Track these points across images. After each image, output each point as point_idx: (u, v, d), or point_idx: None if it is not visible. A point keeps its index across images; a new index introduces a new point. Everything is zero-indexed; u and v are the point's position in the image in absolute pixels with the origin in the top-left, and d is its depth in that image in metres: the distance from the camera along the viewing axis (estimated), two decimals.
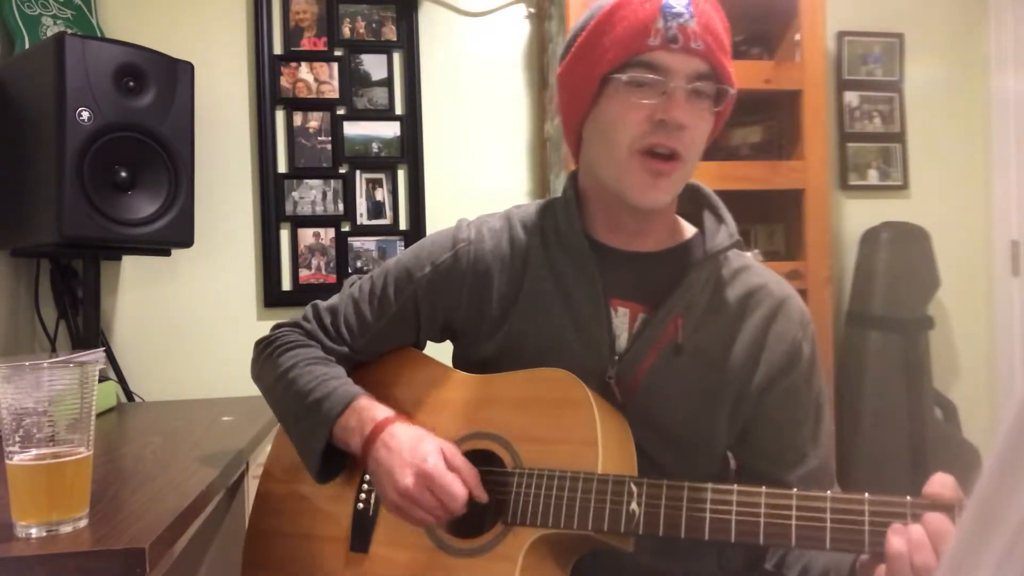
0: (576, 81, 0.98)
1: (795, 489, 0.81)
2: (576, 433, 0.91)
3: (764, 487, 0.82)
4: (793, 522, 0.79)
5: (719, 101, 0.96)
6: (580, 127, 1.01)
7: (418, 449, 0.93)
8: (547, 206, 1.08)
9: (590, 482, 0.88)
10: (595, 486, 0.88)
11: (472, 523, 0.96)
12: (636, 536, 0.88)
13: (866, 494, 0.76)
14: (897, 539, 0.73)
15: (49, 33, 1.99)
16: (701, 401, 0.98)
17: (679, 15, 0.90)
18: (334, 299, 1.13)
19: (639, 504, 0.85)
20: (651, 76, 0.92)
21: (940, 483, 0.76)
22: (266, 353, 1.11)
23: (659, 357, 0.97)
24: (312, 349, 1.09)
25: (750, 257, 1.07)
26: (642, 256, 1.03)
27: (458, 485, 0.90)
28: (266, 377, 1.10)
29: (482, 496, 0.93)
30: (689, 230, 1.07)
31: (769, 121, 2.27)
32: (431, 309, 1.07)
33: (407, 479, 0.91)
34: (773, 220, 2.30)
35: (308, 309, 1.14)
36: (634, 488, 0.86)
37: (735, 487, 0.83)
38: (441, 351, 1.12)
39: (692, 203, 1.07)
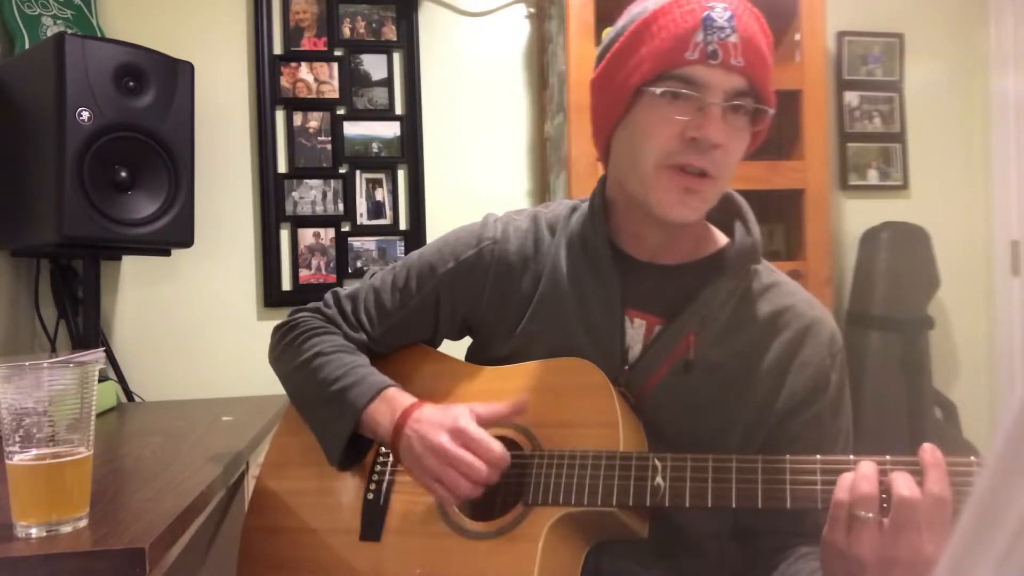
0: (609, 88, 0.95)
1: (818, 455, 0.82)
2: (596, 416, 0.92)
3: (788, 455, 0.83)
4: (818, 487, 0.80)
5: (756, 120, 0.93)
6: (610, 135, 0.98)
7: (448, 412, 0.93)
8: (575, 209, 1.06)
9: (613, 459, 0.89)
10: (618, 463, 0.88)
11: (487, 509, 0.96)
12: (662, 508, 0.88)
13: (887, 456, 0.79)
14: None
15: (49, 33, 1.99)
16: (711, 418, 0.96)
17: (721, 29, 0.86)
18: (354, 287, 1.14)
19: (664, 478, 0.86)
20: (686, 91, 0.88)
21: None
22: (288, 339, 1.11)
23: (670, 371, 0.96)
24: (335, 337, 1.09)
25: (782, 273, 1.04)
26: (665, 268, 1.01)
27: (495, 441, 0.90)
28: (287, 362, 1.10)
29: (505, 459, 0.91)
30: (718, 241, 1.04)
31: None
32: (452, 305, 1.07)
33: (441, 436, 0.90)
34: (773, 220, 2.29)
35: (328, 296, 1.14)
36: (658, 463, 0.87)
37: (759, 457, 0.84)
38: (453, 349, 1.12)
39: (725, 212, 1.04)
